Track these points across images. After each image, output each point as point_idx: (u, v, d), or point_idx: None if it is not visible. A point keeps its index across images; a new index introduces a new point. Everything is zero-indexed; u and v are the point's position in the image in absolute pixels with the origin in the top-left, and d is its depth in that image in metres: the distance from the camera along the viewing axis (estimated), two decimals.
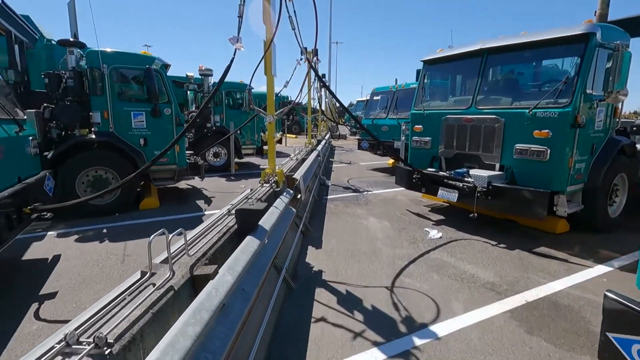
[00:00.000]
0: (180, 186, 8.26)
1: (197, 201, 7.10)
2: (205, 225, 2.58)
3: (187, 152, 7.85)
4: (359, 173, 10.66)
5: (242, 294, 2.06)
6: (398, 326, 2.87)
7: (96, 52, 5.92)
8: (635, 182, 5.41)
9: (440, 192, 5.40)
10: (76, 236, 5.02)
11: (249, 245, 2.38)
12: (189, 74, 11.17)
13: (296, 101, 6.13)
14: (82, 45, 6.22)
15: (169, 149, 3.34)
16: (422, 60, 6.41)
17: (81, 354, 1.13)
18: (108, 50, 6.15)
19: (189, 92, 11.47)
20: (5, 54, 5.34)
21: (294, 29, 4.38)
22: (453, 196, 5.21)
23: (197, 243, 2.21)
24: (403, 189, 6.61)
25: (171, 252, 1.85)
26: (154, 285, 1.60)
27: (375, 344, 2.64)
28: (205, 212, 6.30)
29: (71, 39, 6.20)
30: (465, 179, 5.09)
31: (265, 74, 4.11)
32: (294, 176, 4.96)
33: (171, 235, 1.79)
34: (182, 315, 1.44)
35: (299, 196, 4.92)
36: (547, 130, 4.44)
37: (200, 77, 10.51)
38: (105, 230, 5.28)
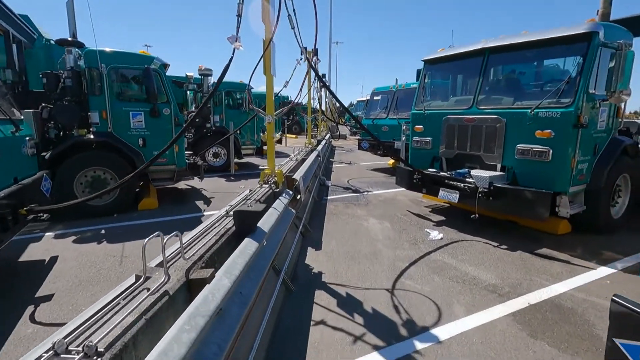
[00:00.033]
0: (179, 186, 8.21)
1: (196, 202, 7.06)
2: (203, 227, 2.53)
3: (186, 152, 7.82)
4: (359, 173, 10.61)
5: (239, 298, 2.01)
6: (399, 329, 2.83)
7: (94, 52, 5.88)
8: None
9: (441, 192, 5.36)
10: (74, 237, 4.98)
11: (247, 247, 2.34)
12: (188, 73, 11.14)
13: (296, 101, 6.08)
14: (80, 45, 6.18)
15: (166, 149, 3.30)
16: (422, 60, 6.36)
17: None
18: (106, 49, 6.10)
19: (188, 92, 11.42)
20: (2, 54, 5.29)
21: (293, 28, 4.34)
22: (454, 197, 5.16)
23: (194, 246, 2.16)
24: (403, 189, 6.56)
25: (167, 255, 1.80)
26: (148, 289, 1.55)
27: (376, 347, 2.60)
28: (205, 213, 6.26)
29: (69, 39, 6.17)
30: (467, 179, 5.04)
31: (265, 74, 4.07)
32: (293, 177, 4.92)
33: (167, 238, 1.74)
34: (177, 322, 1.40)
35: (298, 197, 4.88)
36: (549, 131, 4.40)
37: (199, 77, 10.47)
38: (103, 231, 5.23)
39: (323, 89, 12.01)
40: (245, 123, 8.46)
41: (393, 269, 3.96)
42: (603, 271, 3.91)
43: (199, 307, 1.52)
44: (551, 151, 4.38)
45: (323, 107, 16.17)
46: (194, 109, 11.82)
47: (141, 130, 6.31)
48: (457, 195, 5.11)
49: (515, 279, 3.70)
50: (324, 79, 14.31)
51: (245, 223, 2.59)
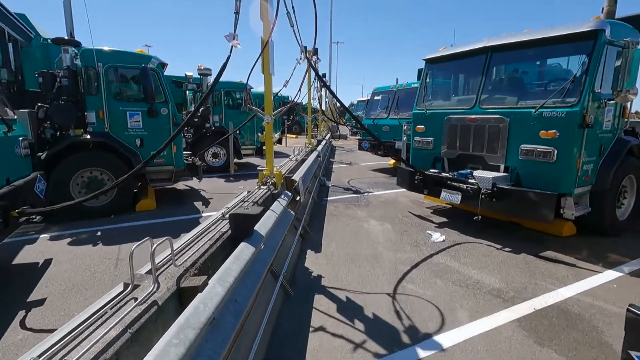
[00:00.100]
0: (178, 187, 8.13)
1: (194, 202, 6.97)
2: (197, 231, 2.44)
3: (185, 152, 7.73)
4: (360, 174, 10.52)
5: (234, 306, 1.92)
6: (401, 336, 2.73)
7: (91, 51, 5.79)
8: None
9: (443, 194, 5.26)
10: (69, 239, 4.89)
11: (243, 252, 2.25)
12: (187, 73, 11.05)
13: (295, 101, 5.99)
14: (77, 44, 6.10)
15: (162, 150, 3.20)
16: (424, 59, 6.27)
17: None
18: (103, 48, 6.02)
19: (187, 91, 11.33)
20: None
21: (292, 26, 4.24)
22: (456, 198, 5.07)
23: (186, 251, 2.07)
24: (405, 190, 6.47)
25: (157, 262, 1.71)
26: (135, 299, 1.46)
27: (377, 355, 2.51)
28: (203, 214, 6.17)
29: (66, 37, 6.08)
30: (469, 180, 4.95)
31: (263, 73, 3.98)
32: (292, 177, 4.83)
33: (156, 244, 1.65)
34: (165, 335, 1.31)
35: (297, 198, 4.79)
36: (554, 131, 4.30)
37: (199, 76, 10.39)
38: (99, 233, 5.15)
39: (323, 89, 11.92)
40: (245, 123, 8.39)
41: (394, 272, 3.87)
42: (609, 275, 3.82)
43: (189, 319, 1.43)
44: (556, 152, 4.29)
45: (323, 107, 16.07)
46: (193, 108, 11.73)
47: (139, 131, 6.22)
48: (460, 197, 5.02)
49: (519, 283, 3.61)
50: (324, 79, 14.23)
51: (241, 227, 2.49)
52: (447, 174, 5.37)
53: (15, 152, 3.85)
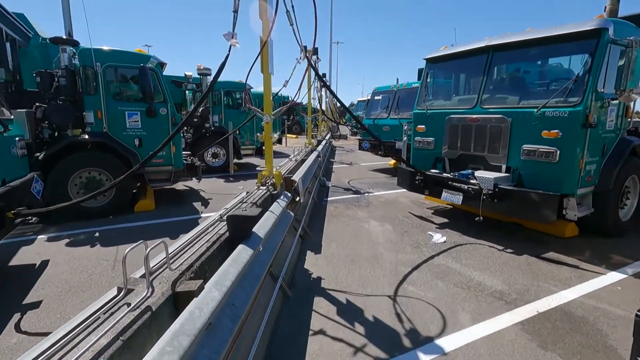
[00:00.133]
0: (177, 187, 8.09)
1: (193, 203, 6.92)
2: (194, 234, 2.39)
3: (184, 152, 7.69)
4: (360, 174, 10.47)
5: (232, 310, 1.87)
6: (402, 340, 2.69)
7: (89, 50, 5.74)
8: None
9: (444, 194, 5.21)
10: (67, 240, 4.85)
11: (241, 255, 2.20)
12: (187, 73, 11.01)
13: (294, 100, 5.94)
14: (75, 43, 6.05)
15: (160, 149, 3.16)
16: (425, 58, 6.22)
17: None
18: (101, 48, 5.97)
19: (187, 91, 11.29)
20: None
21: (292, 25, 4.19)
22: (457, 199, 5.02)
23: (183, 254, 2.02)
24: (405, 190, 6.42)
25: (152, 266, 1.67)
26: (128, 305, 1.42)
27: None
28: (202, 215, 6.13)
29: (64, 37, 6.04)
30: (470, 180, 4.90)
31: (262, 72, 3.93)
32: (292, 178, 4.79)
33: (151, 247, 1.61)
34: (158, 342, 1.26)
35: (297, 199, 4.74)
36: (556, 131, 4.25)
37: (198, 76, 10.34)
38: (97, 234, 5.10)
39: (323, 89, 11.87)
40: (245, 123, 8.35)
41: (395, 273, 3.82)
42: (613, 276, 3.77)
43: (184, 325, 1.38)
44: (558, 152, 4.24)
45: (323, 107, 16.02)
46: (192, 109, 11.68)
47: (137, 131, 6.18)
48: (461, 197, 4.97)
49: (522, 285, 3.56)
50: (324, 79, 14.18)
51: (239, 228, 2.45)
52: (448, 175, 5.32)
53: (11, 152, 3.81)
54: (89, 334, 1.23)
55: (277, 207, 3.47)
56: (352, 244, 4.69)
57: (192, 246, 2.16)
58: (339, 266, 4.00)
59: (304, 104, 16.20)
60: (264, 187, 3.96)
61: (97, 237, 4.97)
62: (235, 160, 10.66)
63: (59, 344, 1.17)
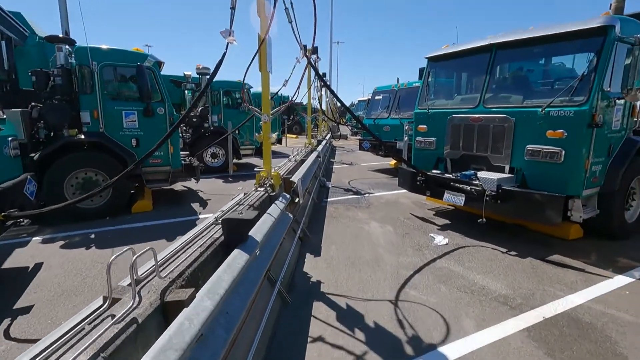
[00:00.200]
0: (175, 188, 8.00)
1: (192, 204, 6.83)
2: (187, 239, 2.29)
3: (182, 152, 7.60)
4: (361, 174, 10.38)
5: (225, 319, 1.78)
6: (404, 347, 2.59)
7: (85, 49, 5.66)
8: None
9: (446, 195, 5.12)
10: (62, 242, 4.76)
11: (236, 260, 2.11)
12: (186, 73, 10.92)
13: (293, 100, 5.84)
14: (71, 42, 5.96)
15: (156, 149, 3.06)
16: (426, 57, 6.12)
17: None
18: (98, 46, 5.89)
19: (186, 91, 11.21)
20: None
21: (290, 22, 4.10)
22: (460, 200, 4.92)
23: (174, 260, 1.93)
24: (406, 191, 6.33)
25: (140, 273, 1.58)
26: (113, 317, 1.33)
27: None
28: (200, 216, 6.04)
29: (60, 36, 5.95)
30: (473, 181, 4.81)
31: (260, 70, 3.84)
32: (291, 179, 4.70)
33: (139, 254, 1.52)
34: (143, 358, 1.17)
35: (296, 200, 4.65)
36: (561, 130, 4.15)
37: (198, 76, 10.26)
38: (93, 236, 5.01)
39: (323, 89, 11.77)
40: (244, 123, 8.26)
41: (396, 277, 3.73)
42: (620, 280, 3.67)
43: (171, 338, 1.29)
44: (563, 152, 4.14)
45: (323, 107, 15.93)
46: None
47: (134, 130, 6.09)
48: (463, 198, 4.88)
49: (527, 289, 3.46)
50: (324, 78, 14.07)
51: (235, 232, 2.35)
52: (450, 175, 5.23)
53: (3, 153, 3.72)
54: (68, 349, 1.14)
55: (275, 209, 3.38)
56: (352, 246, 4.60)
57: (184, 252, 2.06)
58: (339, 269, 3.91)
59: (304, 103, 16.10)
60: (262, 189, 3.88)
61: (92, 239, 4.88)
62: (235, 161, 10.57)
63: None
